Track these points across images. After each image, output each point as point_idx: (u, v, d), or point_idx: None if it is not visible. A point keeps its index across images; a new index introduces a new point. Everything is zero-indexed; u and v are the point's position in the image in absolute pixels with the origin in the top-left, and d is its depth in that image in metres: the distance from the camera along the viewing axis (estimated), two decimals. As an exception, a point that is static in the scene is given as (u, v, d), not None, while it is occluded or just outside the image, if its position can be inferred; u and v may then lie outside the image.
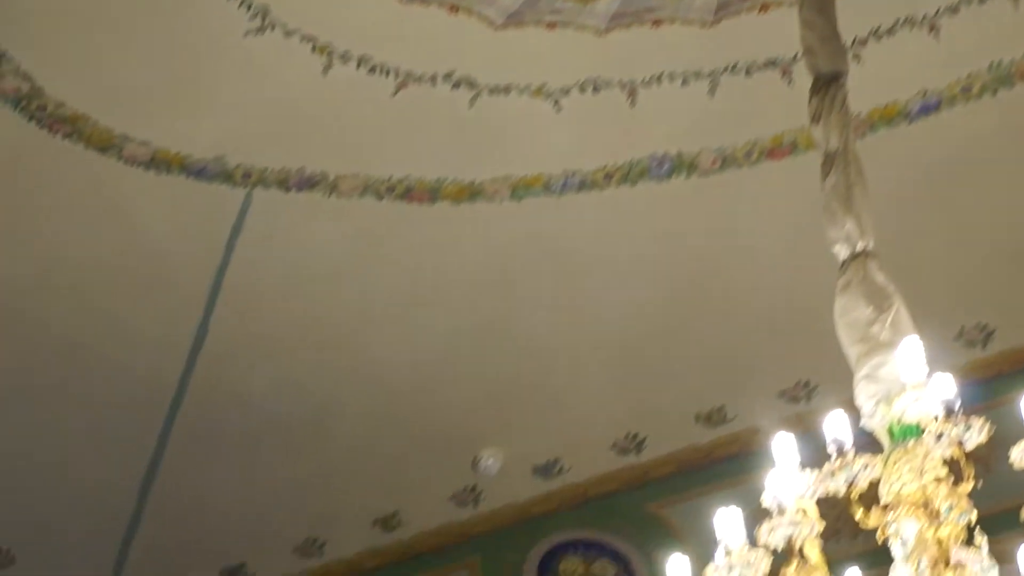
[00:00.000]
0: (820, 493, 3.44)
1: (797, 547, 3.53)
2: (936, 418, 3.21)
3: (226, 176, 5.46)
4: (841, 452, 3.33)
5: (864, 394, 3.66)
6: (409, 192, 5.61)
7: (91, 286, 5.66)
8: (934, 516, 3.30)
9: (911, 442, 3.32)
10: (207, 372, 6.00)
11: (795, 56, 4.88)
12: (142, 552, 6.76)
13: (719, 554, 3.67)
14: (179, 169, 5.39)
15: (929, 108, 5.42)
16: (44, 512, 6.51)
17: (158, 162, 5.36)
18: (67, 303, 5.71)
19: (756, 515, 3.78)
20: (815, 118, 4.04)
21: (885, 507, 3.36)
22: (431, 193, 5.61)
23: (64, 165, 5.29)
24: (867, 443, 3.50)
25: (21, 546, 6.63)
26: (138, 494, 6.48)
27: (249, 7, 4.94)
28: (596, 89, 5.34)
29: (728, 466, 6.32)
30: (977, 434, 3.16)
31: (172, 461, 6.36)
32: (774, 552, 3.56)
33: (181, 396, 6.09)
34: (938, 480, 3.30)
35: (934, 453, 3.26)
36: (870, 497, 3.38)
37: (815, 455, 3.48)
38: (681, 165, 5.63)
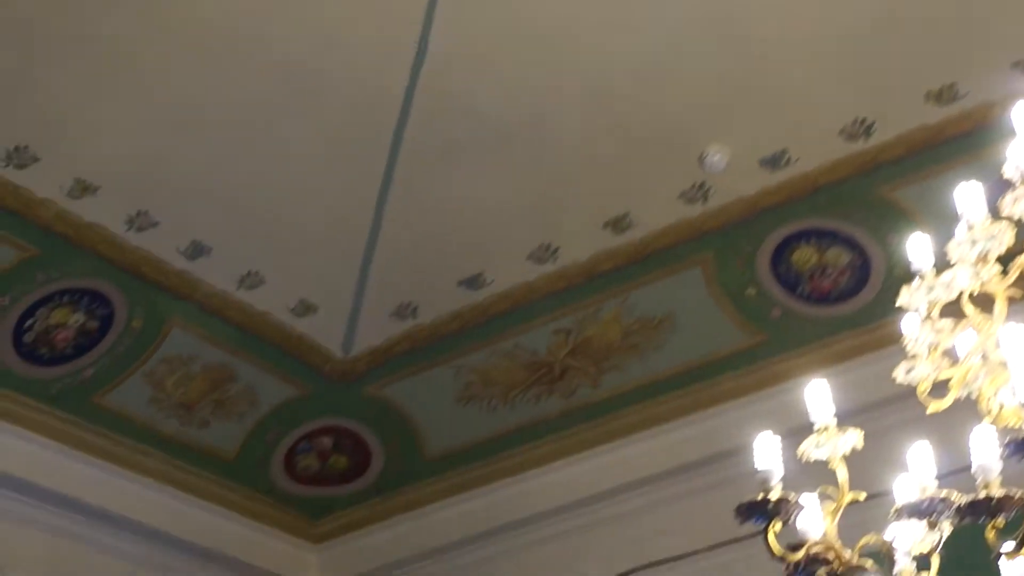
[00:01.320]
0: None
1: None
2: None
3: None
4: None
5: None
6: None
7: (311, 6, 5.69)
8: None
9: None
10: (430, 84, 6.04)
11: None
12: (382, 269, 7.00)
13: (960, 229, 3.63)
14: None
15: None
16: (287, 234, 6.77)
17: None
18: (286, 24, 5.75)
19: (993, 190, 3.71)
20: None
21: None
22: None
23: None
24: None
25: (269, 267, 6.94)
26: (374, 212, 6.67)
27: None
28: None
29: (961, 143, 6.17)
30: None
31: (403, 177, 6.49)
32: (1017, 223, 3.50)
33: (407, 110, 6.16)
34: None
35: None
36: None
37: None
38: None
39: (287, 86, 6.02)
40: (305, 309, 7.18)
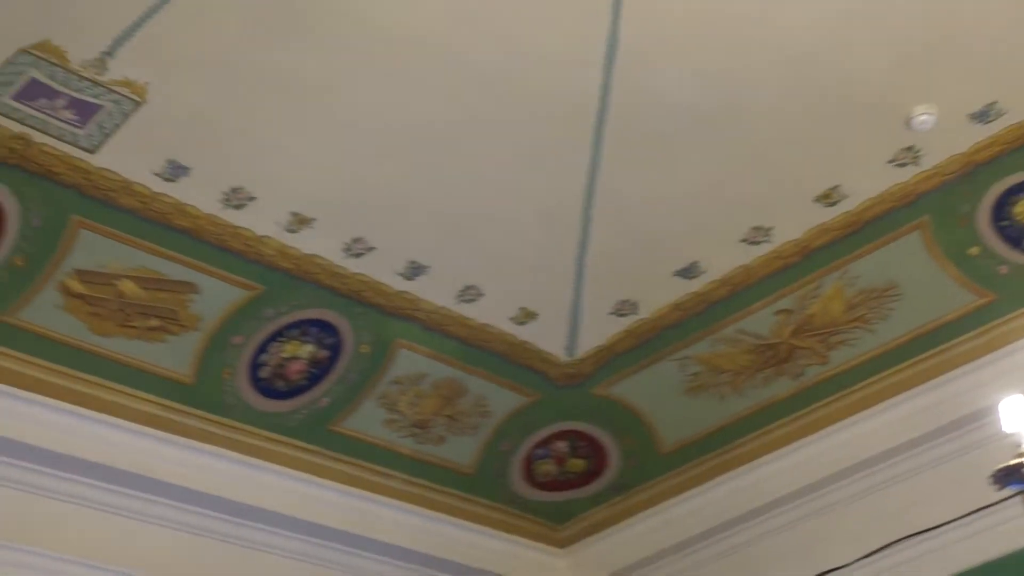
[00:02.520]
0: None
1: None
2: None
3: None
4: None
5: None
6: None
7: (498, 14, 5.75)
8: None
9: None
10: (625, 79, 6.04)
11: None
12: (597, 269, 7.04)
13: None
14: None
15: None
16: (500, 244, 6.85)
17: None
18: (475, 36, 5.82)
19: None
20: None
21: None
22: None
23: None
24: None
25: (486, 279, 7.03)
26: (582, 211, 6.70)
27: None
28: None
29: None
30: None
31: (608, 174, 6.51)
32: None
33: (604, 108, 6.18)
34: None
35: None
36: None
37: None
38: None
39: (484, 98, 6.09)
40: (526, 317, 7.27)
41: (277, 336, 6.92)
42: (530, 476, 8.05)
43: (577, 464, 8.05)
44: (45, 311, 6.34)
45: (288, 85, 5.89)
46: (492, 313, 7.21)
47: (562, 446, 8.00)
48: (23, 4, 5.39)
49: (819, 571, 7.27)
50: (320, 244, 6.64)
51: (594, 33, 5.86)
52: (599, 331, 7.41)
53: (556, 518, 8.26)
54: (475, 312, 7.18)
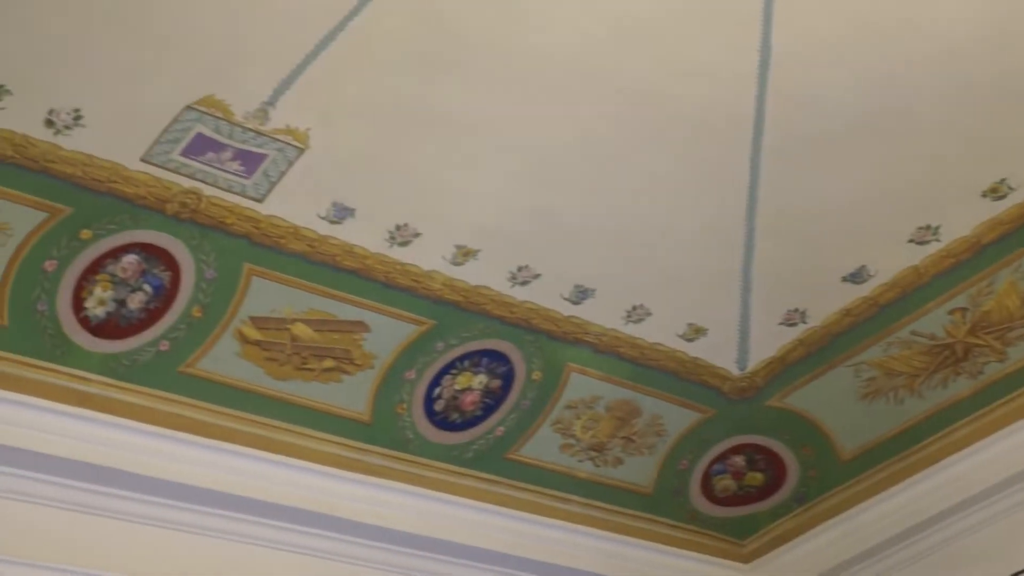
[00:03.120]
0: None
1: None
2: None
3: None
4: None
5: None
6: None
7: (650, 31, 5.76)
8: None
9: None
10: (780, 86, 6.00)
11: None
12: (763, 279, 6.98)
13: None
14: None
15: None
16: (664, 262, 6.83)
17: None
18: (626, 54, 5.83)
19: None
20: None
21: None
22: None
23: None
24: None
25: (653, 298, 7.04)
26: (746, 221, 6.66)
27: None
28: None
29: None
30: None
31: (769, 184, 6.46)
32: None
33: (761, 117, 6.14)
34: None
35: None
36: None
37: None
38: None
39: (640, 115, 6.10)
40: (695, 333, 7.25)
41: (449, 369, 7.00)
42: (709, 492, 8.01)
43: (756, 478, 8.00)
44: (224, 359, 6.49)
45: (446, 119, 5.96)
46: (661, 331, 7.20)
47: (739, 460, 7.95)
48: (188, 62, 5.54)
49: (1015, 570, 7.13)
50: (486, 275, 6.70)
51: (747, 43, 5.83)
52: (769, 342, 7.36)
53: (739, 533, 8.21)
54: (644, 331, 7.18)
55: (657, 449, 7.72)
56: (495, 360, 7.06)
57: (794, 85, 6.01)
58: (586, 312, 7.00)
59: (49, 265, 5.94)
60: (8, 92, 5.41)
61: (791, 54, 5.87)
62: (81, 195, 5.82)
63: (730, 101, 6.08)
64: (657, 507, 7.93)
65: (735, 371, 7.52)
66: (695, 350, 7.35)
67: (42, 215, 5.83)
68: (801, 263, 6.91)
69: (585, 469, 7.60)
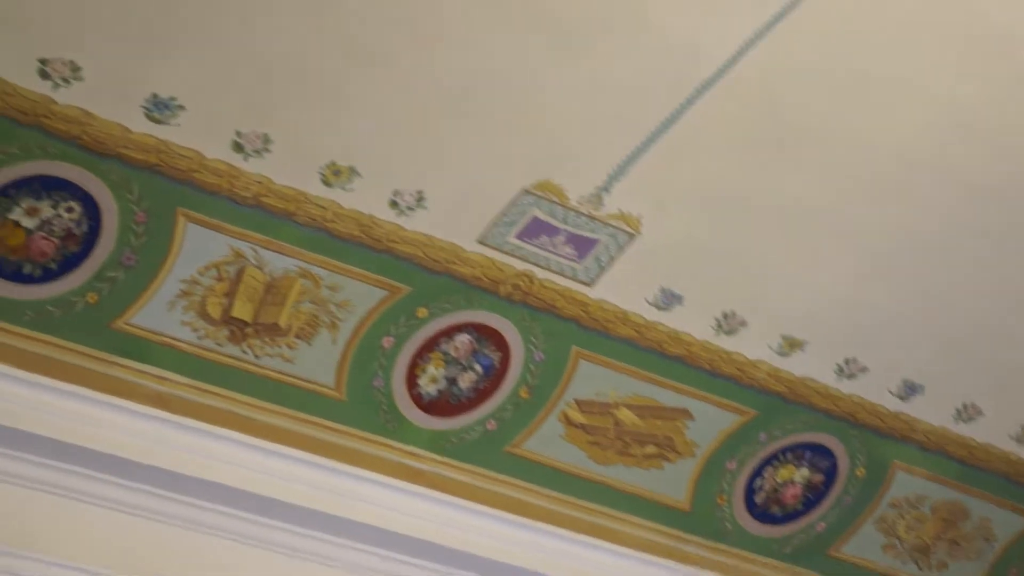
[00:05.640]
0: None
1: None
2: None
3: None
4: None
5: None
6: None
7: (986, 122, 5.65)
8: None
9: None
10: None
11: None
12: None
13: None
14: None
15: None
16: (999, 359, 6.66)
17: None
18: (971, 143, 5.73)
19: None
20: None
21: None
22: None
23: None
24: None
25: (985, 397, 6.83)
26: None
27: None
28: None
29: None
30: None
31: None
32: None
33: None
34: None
35: None
36: None
37: None
38: None
39: (975, 208, 5.96)
40: (1026, 434, 7.02)
41: (771, 460, 6.92)
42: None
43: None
44: (549, 441, 6.55)
45: (778, 208, 5.94)
46: (992, 431, 6.98)
47: (1072, 572, 7.61)
48: (528, 147, 5.66)
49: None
50: (812, 366, 6.61)
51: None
52: (1110, 446, 7.07)
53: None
54: (974, 431, 6.97)
55: (985, 555, 7.44)
56: (818, 454, 6.94)
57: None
58: (914, 409, 6.84)
59: (387, 342, 6.12)
60: (358, 175, 5.63)
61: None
62: (420, 274, 6.00)
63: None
64: (985, 615, 7.65)
65: (1071, 478, 7.23)
66: (1028, 452, 7.11)
67: (382, 293, 6.03)
68: None
69: (909, 571, 7.37)
